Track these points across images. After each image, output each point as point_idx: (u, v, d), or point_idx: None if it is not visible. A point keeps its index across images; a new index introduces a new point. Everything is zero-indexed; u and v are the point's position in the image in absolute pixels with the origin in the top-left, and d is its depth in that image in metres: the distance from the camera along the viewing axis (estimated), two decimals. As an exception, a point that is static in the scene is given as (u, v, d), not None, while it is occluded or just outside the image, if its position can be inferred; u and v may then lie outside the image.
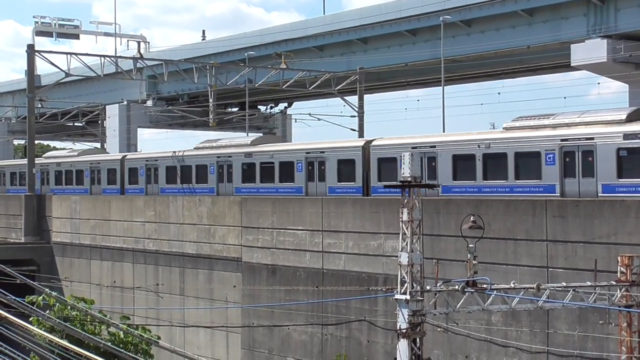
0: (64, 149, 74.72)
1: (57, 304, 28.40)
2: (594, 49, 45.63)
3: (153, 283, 39.59)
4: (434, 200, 28.54)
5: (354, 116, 59.63)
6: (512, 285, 18.99)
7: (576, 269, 24.08)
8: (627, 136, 27.30)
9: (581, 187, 28.34)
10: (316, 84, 58.21)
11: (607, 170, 27.59)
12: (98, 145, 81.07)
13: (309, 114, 64.29)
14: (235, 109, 77.48)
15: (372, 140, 35.97)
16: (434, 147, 32.71)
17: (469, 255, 18.13)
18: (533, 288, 18.79)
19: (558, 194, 28.52)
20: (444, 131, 50.16)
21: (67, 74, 53.52)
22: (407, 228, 17.57)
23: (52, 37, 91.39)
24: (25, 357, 21.17)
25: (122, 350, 23.86)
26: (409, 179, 17.70)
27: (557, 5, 48.09)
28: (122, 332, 28.39)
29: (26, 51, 51.80)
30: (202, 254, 38.04)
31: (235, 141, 46.00)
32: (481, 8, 50.86)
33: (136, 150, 68.86)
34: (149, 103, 74.52)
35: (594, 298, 19.47)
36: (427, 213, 24.70)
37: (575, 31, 47.24)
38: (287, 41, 62.44)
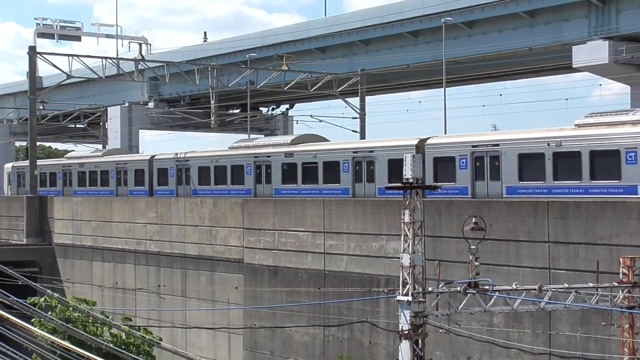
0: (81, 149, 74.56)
1: (59, 305, 28.42)
2: (596, 51, 45.65)
3: (155, 284, 39.59)
4: (436, 201, 28.48)
5: (356, 118, 59.71)
6: (514, 287, 18.97)
7: (578, 270, 24.05)
8: None
9: None
10: (317, 85, 58.25)
11: None
12: (100, 146, 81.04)
13: (311, 116, 64.42)
14: (237, 111, 77.61)
15: (426, 139, 33.93)
16: (497, 145, 31.12)
17: (470, 257, 18.11)
18: (535, 289, 18.76)
19: None
20: (445, 133, 50.12)
21: (69, 76, 53.53)
22: (409, 229, 17.56)
23: (53, 38, 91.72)
24: (27, 358, 21.17)
25: (124, 352, 23.83)
26: (411, 181, 17.70)
27: (559, 7, 48.14)
28: (124, 333, 28.39)
29: (28, 53, 51.81)
30: (204, 256, 38.04)
31: (274, 140, 43.99)
32: (483, 10, 50.90)
33: (137, 152, 68.88)
34: (151, 105, 74.62)
35: (596, 299, 19.43)
36: (429, 214, 24.64)
37: (577, 33, 47.28)
38: (289, 43, 62.52)
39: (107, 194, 50.21)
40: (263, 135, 72.11)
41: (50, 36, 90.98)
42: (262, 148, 41.77)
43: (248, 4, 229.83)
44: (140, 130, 76.16)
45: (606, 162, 28.09)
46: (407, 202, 17.69)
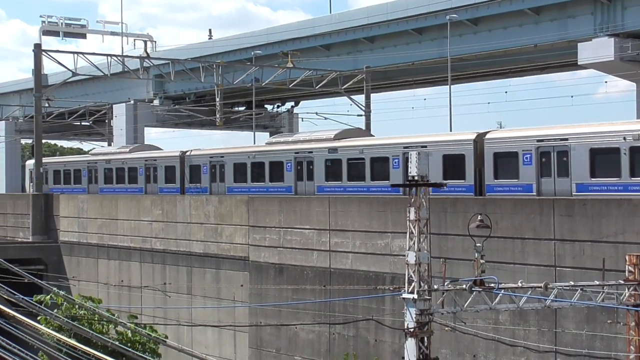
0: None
1: (65, 303, 28.48)
2: (601, 48, 45.52)
3: (160, 282, 39.64)
4: (441, 199, 28.45)
5: (361, 115, 59.60)
6: (520, 285, 18.95)
7: (584, 268, 24.04)
8: None
9: None
10: (323, 83, 58.20)
11: None
12: (105, 144, 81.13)
13: (316, 113, 64.26)
14: (242, 108, 77.54)
15: (485, 133, 32.75)
16: (566, 139, 29.74)
17: (476, 254, 18.10)
18: (541, 287, 18.73)
19: None
20: (450, 130, 50.05)
21: (74, 73, 53.54)
22: (414, 227, 17.55)
23: (59, 36, 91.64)
24: (33, 356, 21.21)
25: (130, 350, 23.89)
26: (416, 178, 17.68)
27: (564, 3, 48.00)
28: (129, 331, 28.44)
29: (33, 50, 51.79)
30: (210, 253, 38.06)
31: (315, 135, 41.92)
32: (488, 7, 50.80)
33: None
34: (156, 102, 74.61)
35: (602, 297, 19.40)
36: (435, 212, 24.64)
37: (583, 30, 47.15)
38: (294, 40, 62.44)
39: (136, 192, 49.22)
40: (268, 134, 72.12)
41: (56, 34, 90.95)
42: (304, 143, 40.36)
43: (253, 1, 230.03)
44: (145, 128, 76.17)
45: None
46: (413, 200, 17.68)
